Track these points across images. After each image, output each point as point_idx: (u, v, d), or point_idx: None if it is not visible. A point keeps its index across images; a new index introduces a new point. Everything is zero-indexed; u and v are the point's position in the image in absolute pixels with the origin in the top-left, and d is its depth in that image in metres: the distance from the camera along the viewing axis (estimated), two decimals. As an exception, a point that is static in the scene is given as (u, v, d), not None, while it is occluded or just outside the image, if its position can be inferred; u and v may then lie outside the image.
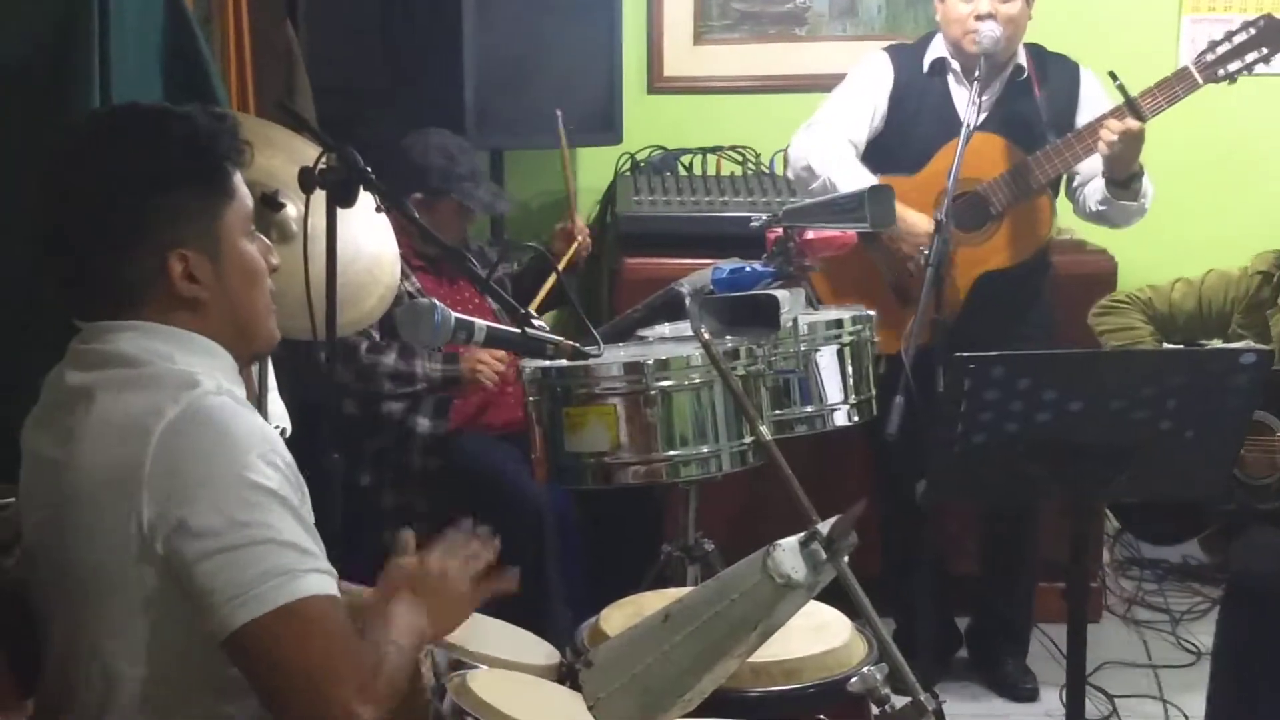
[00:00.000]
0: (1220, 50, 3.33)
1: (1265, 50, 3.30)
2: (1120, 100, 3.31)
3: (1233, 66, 3.32)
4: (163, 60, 2.67)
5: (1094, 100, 3.57)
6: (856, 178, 3.46)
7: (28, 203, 1.77)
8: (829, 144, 3.58)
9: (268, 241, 1.87)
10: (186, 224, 1.73)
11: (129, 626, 1.65)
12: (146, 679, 1.66)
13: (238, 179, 1.80)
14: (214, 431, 1.63)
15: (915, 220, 3.35)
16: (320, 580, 1.62)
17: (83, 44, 2.32)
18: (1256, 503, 3.04)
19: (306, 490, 1.72)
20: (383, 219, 2.61)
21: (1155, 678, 3.69)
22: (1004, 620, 3.85)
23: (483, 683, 1.97)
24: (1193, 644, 4.00)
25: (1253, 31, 3.31)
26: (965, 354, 2.48)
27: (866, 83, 3.68)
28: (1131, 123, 3.28)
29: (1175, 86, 3.32)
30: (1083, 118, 3.50)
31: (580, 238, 3.86)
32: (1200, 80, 3.32)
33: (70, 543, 1.67)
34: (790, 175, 3.73)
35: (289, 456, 1.70)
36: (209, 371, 1.72)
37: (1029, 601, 3.85)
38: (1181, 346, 3.27)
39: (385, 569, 1.84)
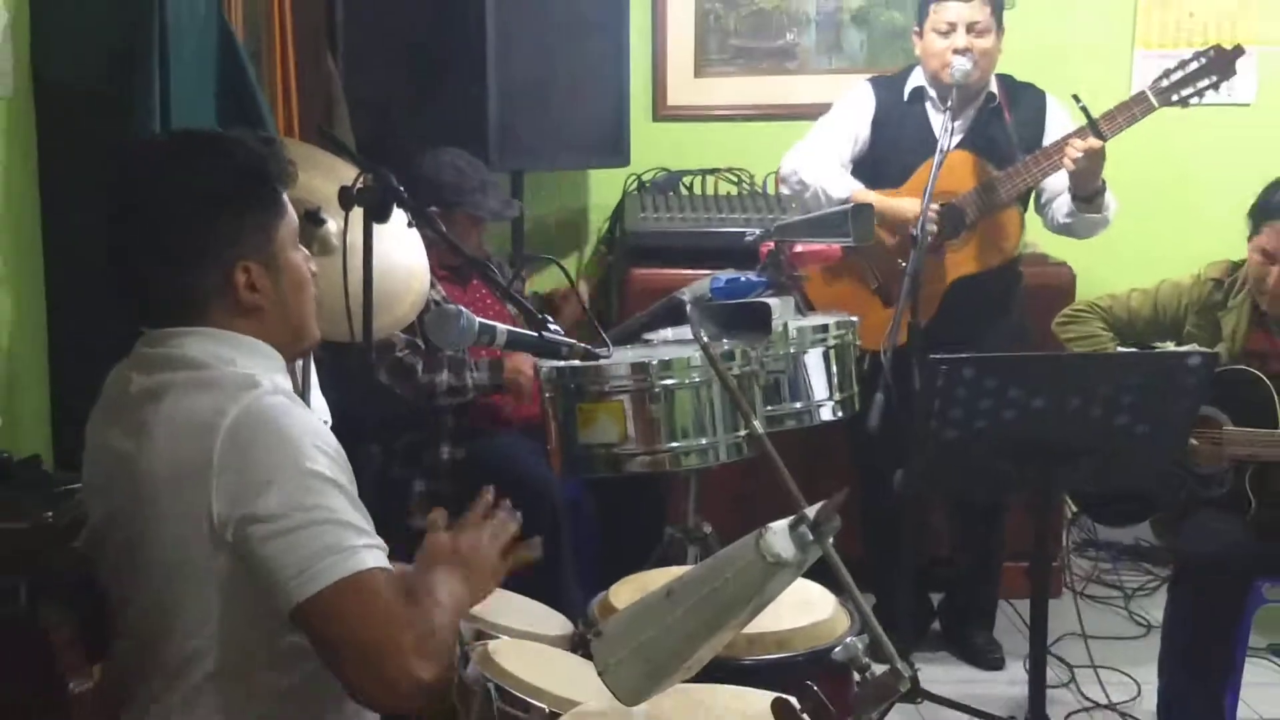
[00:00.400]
0: (1174, 76, 3.32)
1: (1215, 78, 3.30)
2: (1083, 122, 3.32)
3: (1185, 92, 3.31)
4: (216, 89, 2.67)
5: (1059, 124, 3.56)
6: (845, 185, 3.49)
7: (94, 219, 1.77)
8: (817, 158, 3.59)
9: (306, 251, 1.88)
10: (248, 239, 1.74)
11: (202, 609, 1.66)
12: (217, 656, 1.67)
13: (285, 197, 1.81)
14: (272, 428, 1.64)
15: (902, 205, 3.37)
16: (374, 554, 1.63)
17: (143, 72, 2.32)
18: (1204, 490, 3.03)
19: (352, 474, 1.73)
20: (413, 233, 2.62)
21: (1110, 649, 3.70)
22: (974, 597, 3.85)
23: (503, 651, 1.98)
24: (1144, 618, 4.02)
25: (1204, 61, 3.30)
26: (939, 355, 2.49)
27: (850, 110, 3.70)
28: (1094, 141, 3.28)
29: (1133, 109, 3.32)
30: (1049, 140, 3.49)
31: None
32: (1156, 103, 3.31)
33: (144, 531, 1.67)
34: (785, 190, 3.73)
35: (337, 444, 1.71)
36: (265, 372, 1.72)
37: (996, 580, 3.86)
38: (1135, 349, 3.26)
39: (423, 544, 1.83)
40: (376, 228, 2.30)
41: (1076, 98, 3.34)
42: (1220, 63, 3.30)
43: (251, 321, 1.76)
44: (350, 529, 1.62)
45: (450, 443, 3.52)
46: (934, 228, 3.32)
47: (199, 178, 1.74)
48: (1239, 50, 3.34)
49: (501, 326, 2.51)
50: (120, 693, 1.76)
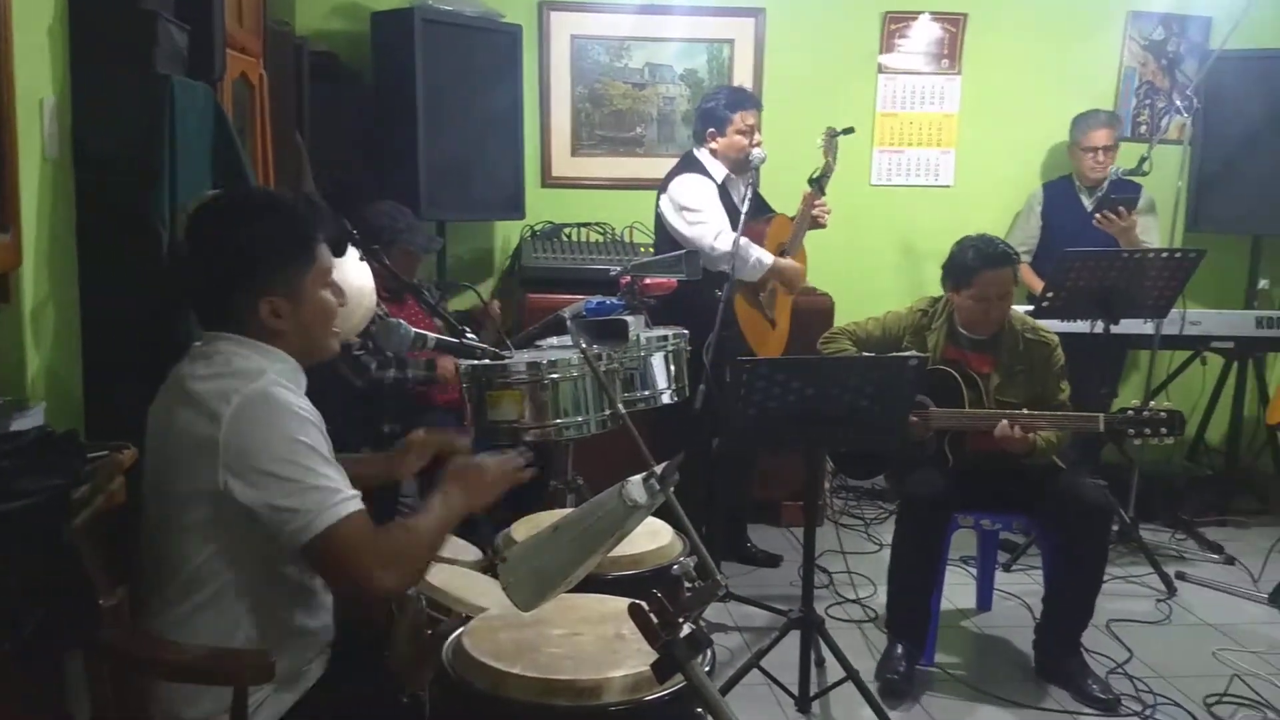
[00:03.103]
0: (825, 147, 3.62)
1: (833, 148, 3.61)
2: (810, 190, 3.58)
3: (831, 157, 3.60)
4: (212, 156, 2.56)
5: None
6: (765, 254, 3.52)
7: (118, 253, 1.68)
8: (729, 237, 3.42)
9: (341, 287, 1.79)
10: (275, 280, 1.67)
11: (205, 543, 1.60)
12: (214, 578, 1.62)
13: (321, 248, 1.73)
14: (267, 407, 1.58)
15: (789, 263, 3.57)
16: (349, 504, 1.58)
17: (157, 142, 2.21)
18: (918, 452, 3.10)
19: (329, 439, 1.68)
20: (364, 264, 2.54)
21: (856, 560, 3.76)
22: (739, 520, 3.91)
23: (432, 572, 1.93)
24: (878, 539, 4.10)
25: (828, 138, 3.59)
26: (743, 358, 2.52)
27: (712, 193, 3.59)
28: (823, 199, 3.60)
29: (827, 176, 3.61)
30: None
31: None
32: (831, 167, 3.61)
33: (169, 483, 1.61)
34: (725, 257, 3.40)
35: (319, 420, 1.66)
36: (276, 370, 1.66)
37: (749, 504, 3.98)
38: (873, 355, 3.33)
39: (450, 464, 1.82)
40: (335, 260, 2.22)
41: (816, 172, 3.56)
42: (830, 137, 3.58)
43: (274, 337, 1.69)
44: (327, 490, 1.56)
45: (390, 419, 3.42)
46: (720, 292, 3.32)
47: (244, 232, 1.67)
48: (845, 130, 3.61)
49: (431, 334, 2.46)
50: (140, 603, 1.70)
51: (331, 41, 4.25)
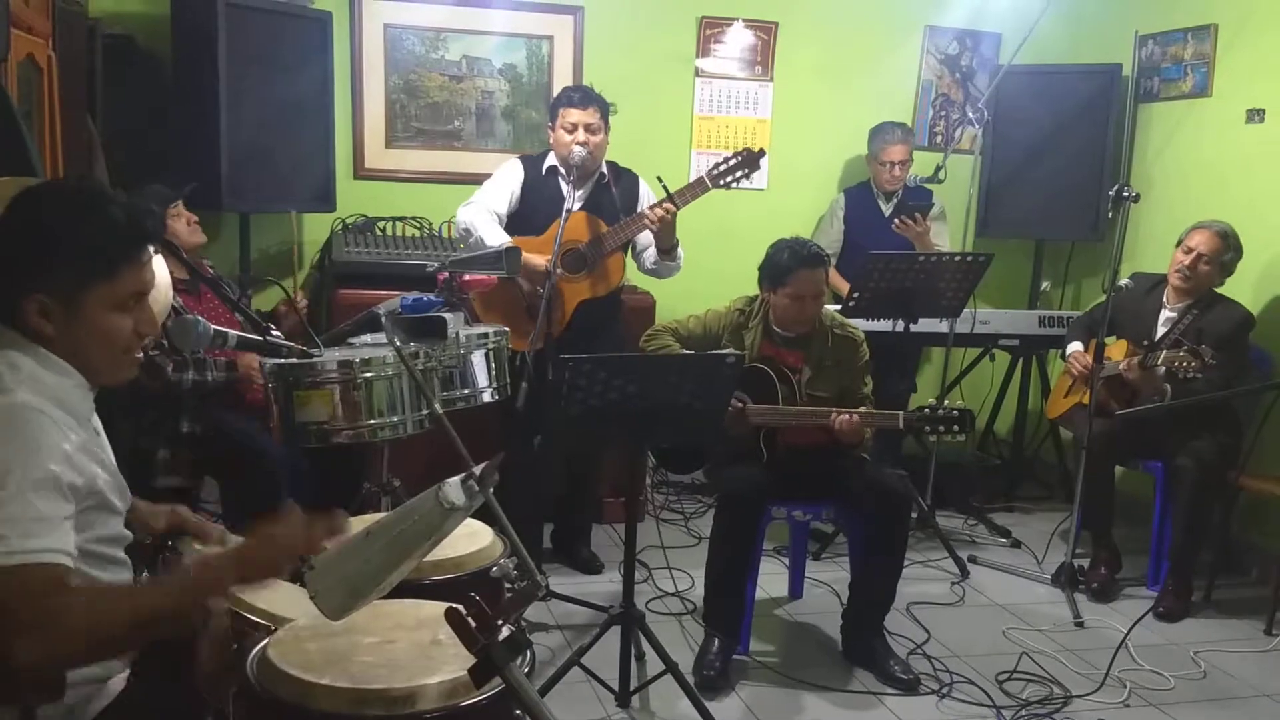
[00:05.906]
0: (721, 168, 3.49)
1: (746, 170, 3.49)
2: (663, 196, 3.44)
3: (728, 179, 3.50)
4: (-10, 140, 2.36)
5: (648, 198, 3.69)
6: (496, 236, 3.47)
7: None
8: (480, 214, 3.54)
9: (152, 320, 1.62)
10: (53, 282, 1.51)
11: None
12: None
13: (130, 269, 1.54)
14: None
15: (537, 261, 3.38)
16: (14, 556, 1.35)
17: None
18: (735, 449, 3.18)
19: (98, 457, 1.52)
20: (159, 257, 2.39)
21: (676, 555, 3.81)
22: (579, 523, 3.91)
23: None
24: (698, 532, 4.18)
25: (739, 158, 3.49)
26: (567, 356, 2.52)
27: (507, 178, 3.66)
28: (670, 207, 3.42)
29: (697, 189, 3.47)
30: (642, 208, 3.61)
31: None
32: (710, 185, 3.48)
33: None
34: (457, 234, 3.66)
35: (64, 447, 1.46)
36: (52, 383, 1.51)
37: (595, 509, 3.96)
38: (693, 353, 3.40)
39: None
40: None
41: (660, 178, 3.47)
42: (749, 159, 3.50)
43: (44, 344, 1.53)
44: (31, 524, 1.36)
45: (189, 418, 3.22)
46: (561, 270, 3.39)
47: (35, 218, 1.51)
48: (761, 151, 3.55)
49: (233, 332, 2.33)
50: None
51: (128, 24, 4.00)
